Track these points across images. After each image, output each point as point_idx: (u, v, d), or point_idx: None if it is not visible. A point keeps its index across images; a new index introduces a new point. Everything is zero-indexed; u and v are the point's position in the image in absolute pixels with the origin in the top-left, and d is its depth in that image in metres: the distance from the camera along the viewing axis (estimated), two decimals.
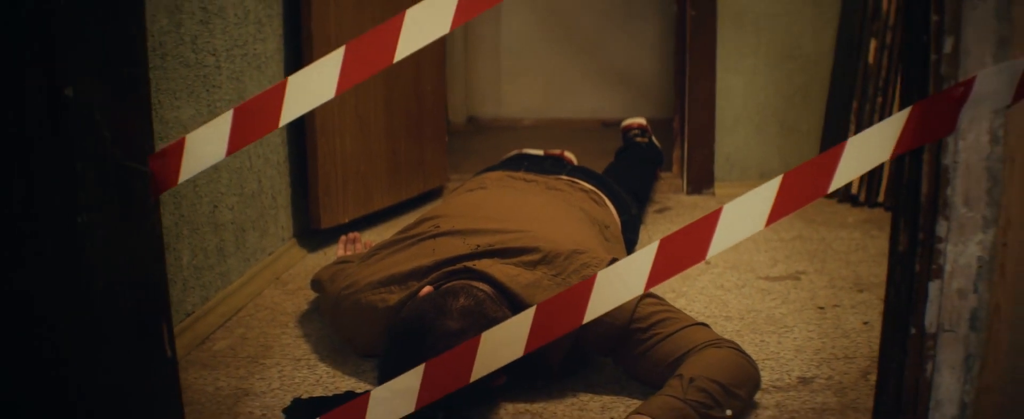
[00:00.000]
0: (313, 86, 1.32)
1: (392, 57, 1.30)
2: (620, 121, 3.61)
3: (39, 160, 1.13)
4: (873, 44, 3.19)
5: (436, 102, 3.36)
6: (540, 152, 3.10)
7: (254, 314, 2.27)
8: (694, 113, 3.48)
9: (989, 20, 1.22)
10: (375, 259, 2.00)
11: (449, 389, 1.39)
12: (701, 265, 2.58)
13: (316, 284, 2.19)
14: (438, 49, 3.39)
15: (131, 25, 1.27)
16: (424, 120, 3.27)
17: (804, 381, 1.83)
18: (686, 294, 2.36)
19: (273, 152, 2.59)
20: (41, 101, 1.12)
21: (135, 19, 1.28)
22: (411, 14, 1.28)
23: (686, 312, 1.85)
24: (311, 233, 2.81)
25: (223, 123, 1.34)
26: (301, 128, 2.74)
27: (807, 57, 3.44)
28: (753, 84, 3.46)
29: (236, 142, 1.35)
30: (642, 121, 3.42)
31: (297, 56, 2.68)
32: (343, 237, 2.53)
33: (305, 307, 2.31)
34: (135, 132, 1.28)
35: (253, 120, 1.34)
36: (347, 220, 2.85)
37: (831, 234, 2.92)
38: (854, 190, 3.28)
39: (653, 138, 3.36)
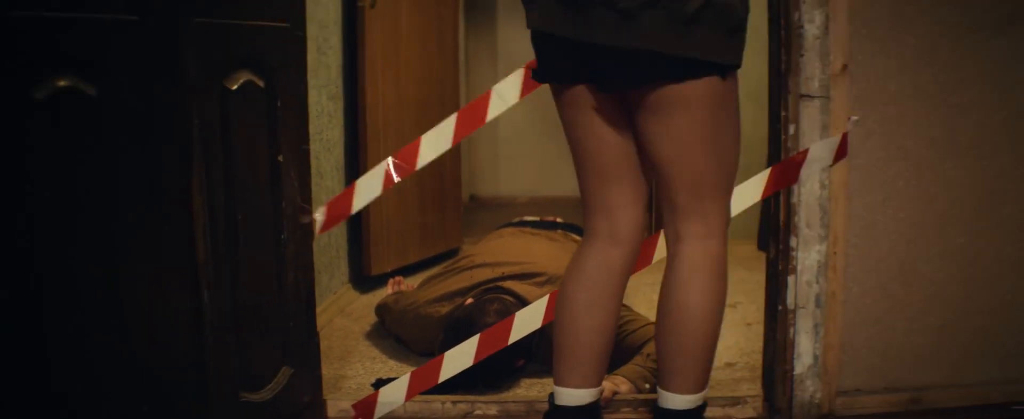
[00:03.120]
0: (437, 140, 2.13)
1: (484, 119, 2.12)
2: None
3: (265, 203, 1.94)
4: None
5: (453, 180, 4.19)
6: (537, 218, 3.91)
7: (331, 334, 3.05)
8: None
9: (816, 114, 2.06)
10: (427, 286, 2.81)
11: (495, 349, 2.18)
12: None
13: (381, 307, 2.99)
14: None
15: (304, 116, 2.10)
16: (445, 194, 4.10)
17: (728, 365, 2.63)
18: (651, 317, 3.14)
19: None
20: (267, 164, 1.94)
21: (305, 113, 2.10)
22: (496, 89, 2.10)
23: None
24: (363, 279, 3.60)
25: (380, 169, 2.15)
26: None
27: (747, 141, 4.27)
28: None
29: (388, 182, 2.15)
30: None
31: (355, 141, 3.51)
32: (391, 279, 3.34)
33: (368, 329, 3.09)
34: (305, 185, 2.09)
35: (399, 166, 2.15)
36: (390, 269, 3.64)
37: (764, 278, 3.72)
38: None
39: None
